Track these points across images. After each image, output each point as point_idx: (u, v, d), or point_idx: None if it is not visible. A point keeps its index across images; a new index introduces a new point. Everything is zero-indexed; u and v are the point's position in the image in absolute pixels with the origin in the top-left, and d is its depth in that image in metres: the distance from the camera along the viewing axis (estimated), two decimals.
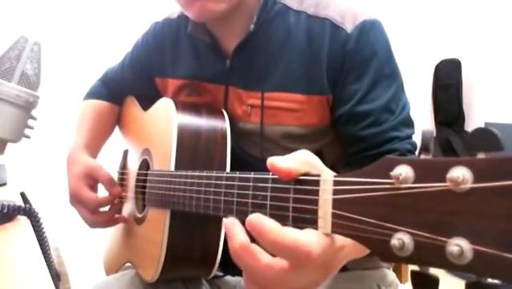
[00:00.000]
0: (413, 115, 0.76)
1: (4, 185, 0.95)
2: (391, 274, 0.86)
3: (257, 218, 0.40)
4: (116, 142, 1.08)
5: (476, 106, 2.60)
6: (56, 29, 1.83)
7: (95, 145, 1.00)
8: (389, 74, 0.73)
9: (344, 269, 0.81)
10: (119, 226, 0.96)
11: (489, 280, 0.28)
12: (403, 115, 0.73)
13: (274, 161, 0.42)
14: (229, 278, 0.85)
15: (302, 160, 0.43)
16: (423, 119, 2.71)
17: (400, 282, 0.91)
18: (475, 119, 2.59)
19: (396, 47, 0.76)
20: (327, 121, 0.75)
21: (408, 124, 0.74)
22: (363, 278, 0.81)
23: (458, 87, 2.62)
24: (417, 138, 0.74)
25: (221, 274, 0.83)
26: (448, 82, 2.65)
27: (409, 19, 2.72)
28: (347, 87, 0.72)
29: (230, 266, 0.80)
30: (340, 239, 0.40)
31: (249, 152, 0.79)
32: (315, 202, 0.40)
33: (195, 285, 0.83)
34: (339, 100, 0.73)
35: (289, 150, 0.76)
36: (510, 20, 2.41)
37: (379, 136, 0.71)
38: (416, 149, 0.73)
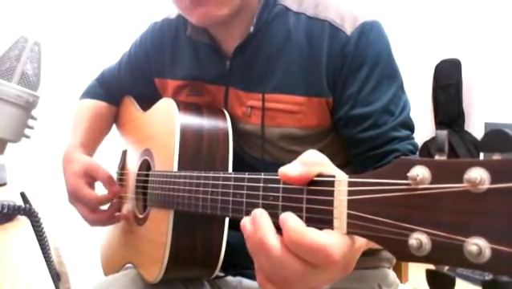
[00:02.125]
0: (413, 115, 0.76)
1: (4, 185, 0.95)
2: (391, 274, 0.86)
3: (283, 217, 0.40)
4: (114, 142, 1.07)
5: (476, 106, 2.59)
6: (56, 29, 1.83)
7: (91, 144, 1.00)
8: (389, 75, 0.73)
9: None
10: (117, 227, 0.96)
11: (506, 278, 0.29)
12: (402, 116, 0.73)
13: (285, 171, 0.42)
14: (229, 278, 0.85)
15: (312, 162, 0.43)
16: (423, 119, 2.71)
17: (401, 282, 0.91)
18: (475, 119, 2.58)
19: (396, 47, 0.76)
20: (327, 123, 0.75)
21: (407, 125, 0.74)
22: (364, 278, 0.80)
23: (458, 87, 2.61)
24: (417, 138, 0.74)
25: (222, 274, 0.83)
26: (448, 82, 2.64)
27: (409, 19, 2.72)
28: (347, 89, 0.72)
29: (231, 266, 0.80)
30: (359, 238, 0.40)
31: (250, 153, 0.79)
32: (330, 203, 0.40)
33: (196, 285, 0.83)
34: (339, 103, 0.73)
35: (289, 151, 0.77)
36: (510, 20, 2.41)
37: (378, 138, 0.71)
38: (417, 150, 0.73)
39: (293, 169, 0.42)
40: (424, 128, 2.63)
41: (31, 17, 1.79)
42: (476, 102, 2.59)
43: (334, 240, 0.37)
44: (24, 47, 0.68)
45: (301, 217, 0.42)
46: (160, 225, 0.73)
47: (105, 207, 0.91)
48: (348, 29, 0.70)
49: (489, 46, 2.50)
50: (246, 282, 0.83)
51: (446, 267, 0.33)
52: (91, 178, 0.90)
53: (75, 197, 0.89)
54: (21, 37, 0.69)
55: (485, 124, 2.40)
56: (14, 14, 1.76)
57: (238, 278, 0.84)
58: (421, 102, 2.73)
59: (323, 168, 0.42)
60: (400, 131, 0.72)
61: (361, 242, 0.41)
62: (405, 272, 1.00)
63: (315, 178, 0.42)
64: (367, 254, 0.82)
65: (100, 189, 0.92)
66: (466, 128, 2.60)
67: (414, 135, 0.75)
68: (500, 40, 2.45)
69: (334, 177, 0.40)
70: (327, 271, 0.38)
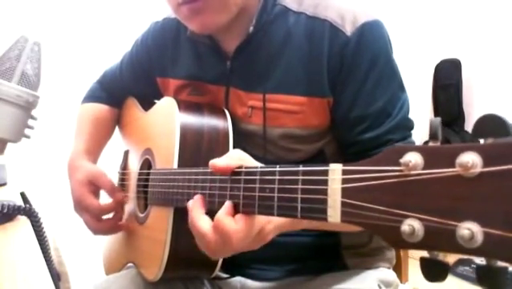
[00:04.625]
0: (413, 115, 0.76)
1: (4, 185, 0.95)
2: (391, 274, 0.86)
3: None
4: (117, 143, 1.07)
5: (476, 106, 2.59)
6: (56, 29, 1.83)
7: (95, 150, 1.00)
8: (388, 76, 0.72)
9: (344, 268, 0.81)
10: None
11: (500, 263, 0.29)
12: (400, 116, 0.72)
13: (214, 163, 0.55)
14: (230, 278, 0.84)
15: (236, 158, 0.56)
16: (423, 119, 2.71)
17: (401, 282, 0.91)
18: (475, 119, 2.56)
19: (396, 47, 0.76)
20: (328, 122, 0.75)
21: (405, 126, 0.74)
22: (364, 278, 0.80)
23: (458, 87, 2.61)
24: (417, 138, 0.74)
25: (222, 274, 0.83)
26: (448, 82, 2.64)
27: (409, 19, 2.72)
28: (345, 90, 0.72)
29: (231, 265, 0.80)
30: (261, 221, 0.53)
31: (251, 153, 0.79)
32: (324, 192, 0.40)
33: (196, 285, 0.83)
34: (337, 103, 0.73)
35: (291, 150, 0.77)
36: (510, 20, 2.41)
37: (373, 141, 0.71)
38: None
39: (220, 162, 0.55)
40: (424, 128, 2.63)
41: (31, 17, 1.78)
42: (476, 102, 2.60)
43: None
44: (24, 47, 0.68)
45: (296, 207, 0.44)
46: (160, 224, 0.73)
47: (109, 216, 0.91)
48: (348, 29, 0.70)
49: (489, 46, 2.50)
50: (246, 282, 0.83)
51: (440, 255, 0.32)
52: (94, 186, 0.90)
53: (80, 207, 0.89)
54: (21, 37, 0.69)
55: None
56: (14, 14, 1.76)
57: (238, 278, 0.83)
58: (421, 102, 2.73)
59: (244, 162, 0.54)
60: (395, 133, 0.72)
61: (263, 224, 0.54)
62: (405, 272, 1.00)
63: (311, 168, 0.43)
64: (368, 254, 0.83)
65: (105, 198, 0.92)
66: (466, 128, 2.60)
67: (414, 134, 0.75)
68: (500, 40, 2.45)
69: (328, 165, 0.40)
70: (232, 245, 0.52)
